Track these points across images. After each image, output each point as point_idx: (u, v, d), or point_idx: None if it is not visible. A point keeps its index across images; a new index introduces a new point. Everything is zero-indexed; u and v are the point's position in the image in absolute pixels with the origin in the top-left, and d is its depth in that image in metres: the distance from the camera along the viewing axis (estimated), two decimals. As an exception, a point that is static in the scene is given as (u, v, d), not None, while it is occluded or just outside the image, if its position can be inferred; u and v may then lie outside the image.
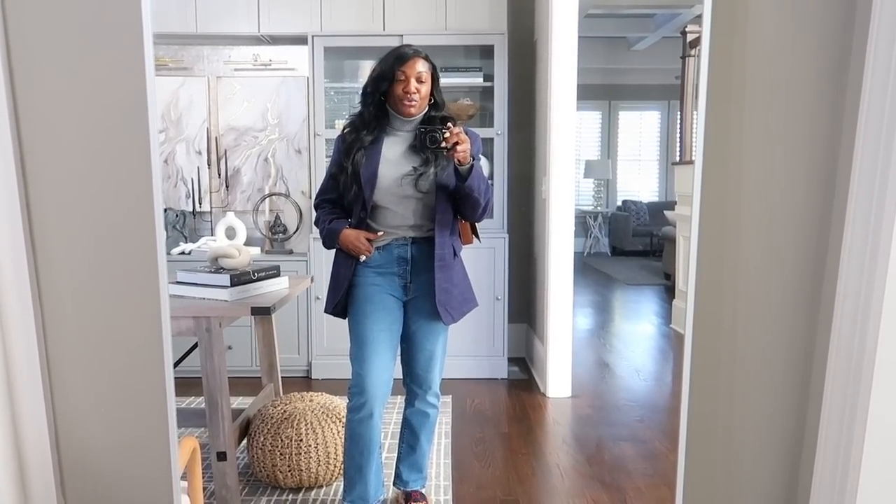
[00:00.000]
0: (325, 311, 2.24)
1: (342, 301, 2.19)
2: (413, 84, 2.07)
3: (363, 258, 2.15)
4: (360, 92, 2.16)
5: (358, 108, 2.19)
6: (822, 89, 1.03)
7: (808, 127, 1.06)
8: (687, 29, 5.44)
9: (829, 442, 1.04)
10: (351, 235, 2.14)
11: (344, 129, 2.19)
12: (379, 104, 2.14)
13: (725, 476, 1.12)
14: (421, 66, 2.08)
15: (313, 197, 3.83)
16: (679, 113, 5.71)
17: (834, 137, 1.07)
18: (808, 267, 1.06)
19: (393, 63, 2.08)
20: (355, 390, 2.13)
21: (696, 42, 5.30)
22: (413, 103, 2.09)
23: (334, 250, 2.22)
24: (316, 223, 2.26)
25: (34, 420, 1.06)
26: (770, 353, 1.09)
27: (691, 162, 5.29)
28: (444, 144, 1.99)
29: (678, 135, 6.09)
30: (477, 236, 2.32)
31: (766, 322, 1.08)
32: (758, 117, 1.03)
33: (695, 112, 5.39)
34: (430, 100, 2.15)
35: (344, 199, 2.18)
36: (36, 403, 1.05)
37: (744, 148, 1.03)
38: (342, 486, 2.24)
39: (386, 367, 2.14)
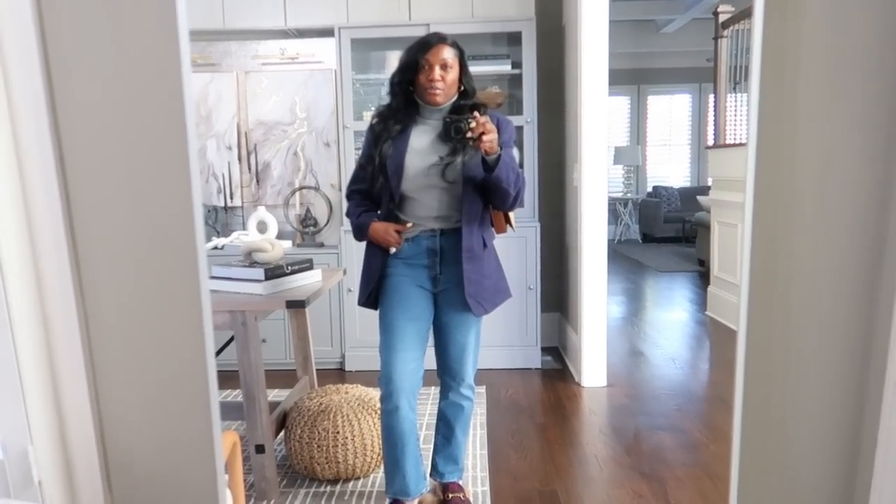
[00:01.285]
0: (358, 303, 2.24)
1: (374, 292, 2.19)
2: (437, 71, 2.04)
3: (393, 250, 2.14)
4: (388, 82, 2.14)
5: (387, 100, 2.17)
6: (884, 66, 0.98)
7: (868, 107, 1.01)
8: (719, 9, 5.31)
9: (889, 442, 1.00)
10: (380, 229, 2.13)
11: (373, 119, 2.18)
12: (407, 94, 2.12)
13: (780, 471, 1.08)
14: (446, 53, 2.05)
15: (343, 189, 3.83)
16: (713, 95, 5.58)
17: (892, 116, 1.02)
18: (866, 256, 1.01)
19: (417, 51, 2.05)
20: (383, 381, 2.13)
21: (728, 22, 5.17)
22: (437, 91, 2.06)
23: (365, 243, 2.22)
24: (347, 215, 2.26)
25: (80, 419, 1.06)
26: (826, 347, 1.05)
27: (727, 145, 5.17)
28: (469, 135, 1.95)
29: (711, 118, 5.96)
30: (511, 225, 2.29)
31: (821, 314, 1.03)
32: (814, 96, 0.98)
33: (730, 94, 5.27)
34: (459, 87, 2.12)
35: (373, 189, 2.17)
36: (81, 403, 1.06)
37: (799, 129, 0.99)
38: (384, 479, 2.24)
39: (413, 358, 2.13)
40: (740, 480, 1.05)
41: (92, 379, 1.08)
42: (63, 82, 1.07)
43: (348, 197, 2.27)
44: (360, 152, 2.25)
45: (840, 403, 1.06)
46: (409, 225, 2.12)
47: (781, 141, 0.98)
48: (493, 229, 2.25)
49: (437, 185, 2.08)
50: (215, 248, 3.91)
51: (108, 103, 1.07)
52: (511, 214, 2.27)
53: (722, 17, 5.25)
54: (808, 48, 0.97)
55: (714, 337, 4.73)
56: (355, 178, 2.25)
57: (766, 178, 0.98)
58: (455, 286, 2.15)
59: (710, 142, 6.28)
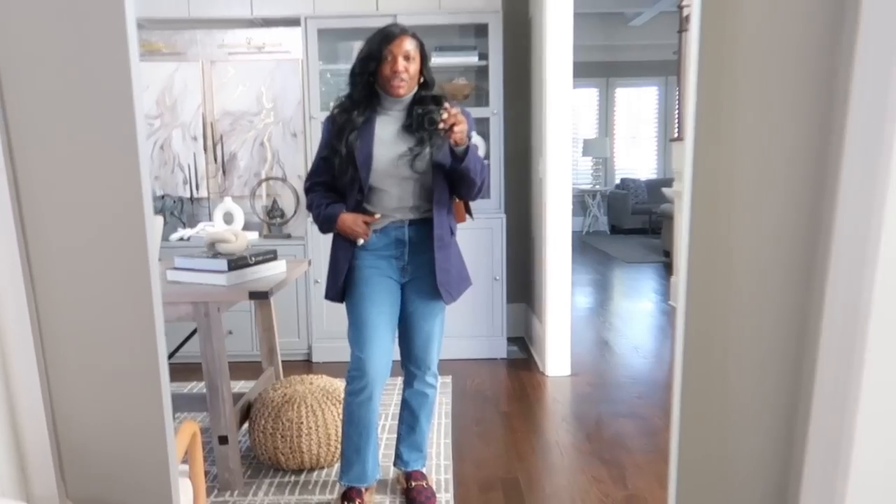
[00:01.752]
0: (325, 297, 2.23)
1: (342, 286, 2.19)
2: (401, 63, 2.05)
3: (361, 242, 2.15)
4: (349, 73, 2.14)
5: (346, 90, 2.17)
6: (817, 62, 1.02)
7: (803, 98, 1.05)
8: (683, 3, 5.39)
9: (822, 422, 1.05)
10: (348, 220, 2.12)
11: (333, 110, 2.18)
12: (367, 85, 2.12)
13: (719, 458, 1.12)
14: (408, 45, 2.06)
15: (309, 180, 3.83)
16: (677, 89, 5.67)
17: (827, 110, 1.06)
18: (801, 243, 1.06)
19: (380, 42, 2.06)
20: (355, 373, 2.14)
21: (691, 12, 5.25)
22: (402, 83, 2.07)
23: (332, 236, 2.21)
24: (309, 208, 2.23)
25: (31, 407, 1.06)
26: (763, 329, 1.09)
27: (689, 138, 5.26)
28: (441, 126, 1.98)
29: (676, 111, 6.05)
30: (470, 214, 2.32)
31: (758, 298, 1.08)
32: (751, 91, 1.02)
33: (692, 88, 5.35)
34: (419, 78, 2.14)
35: (338, 182, 2.16)
36: (33, 391, 1.06)
37: (737, 122, 1.03)
38: (340, 467, 2.26)
39: (385, 349, 2.15)
40: (680, 464, 1.09)
41: (44, 367, 1.08)
42: (8, 69, 1.06)
43: (309, 190, 2.24)
44: (319, 143, 2.24)
45: (776, 385, 1.10)
46: (377, 216, 2.13)
47: (720, 133, 1.02)
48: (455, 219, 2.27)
49: (407, 175, 2.09)
50: (181, 239, 3.88)
51: (56, 88, 1.07)
52: (470, 203, 2.30)
53: (686, 11, 5.33)
54: (743, 43, 1.01)
55: (677, 326, 4.83)
56: (316, 171, 2.23)
57: (705, 169, 1.02)
58: (423, 275, 2.17)
59: (675, 134, 6.38)
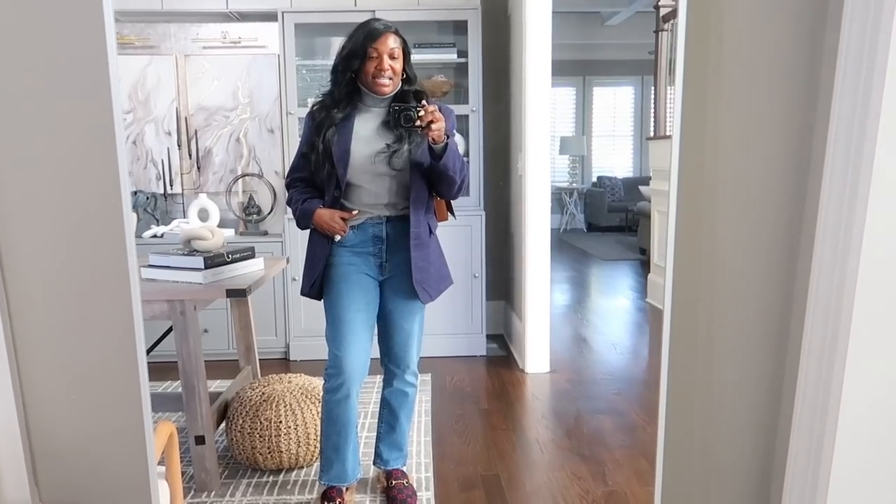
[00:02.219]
0: (302, 293, 2.21)
1: (318, 282, 2.17)
2: (386, 61, 2.03)
3: (338, 238, 2.13)
4: (331, 70, 2.12)
5: (328, 86, 2.14)
6: (799, 61, 1.03)
7: (786, 99, 1.06)
8: (660, 3, 5.43)
9: (804, 420, 1.06)
10: (325, 215, 2.10)
11: (313, 106, 2.15)
12: (350, 82, 2.10)
13: (703, 452, 1.13)
14: (393, 42, 2.04)
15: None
16: (653, 88, 5.71)
17: (810, 110, 1.07)
18: (784, 242, 1.07)
19: (364, 40, 2.03)
20: (332, 371, 2.13)
21: (669, 16, 5.30)
22: (388, 81, 2.05)
23: (309, 231, 2.19)
24: (289, 203, 2.21)
25: (3, 409, 1.03)
26: (746, 329, 1.10)
27: (666, 137, 5.31)
28: (418, 123, 1.96)
29: (652, 110, 6.10)
30: (452, 214, 2.31)
31: (742, 298, 1.09)
32: (735, 92, 1.03)
33: (669, 87, 5.40)
34: (402, 75, 2.12)
35: (316, 177, 2.14)
36: (4, 391, 1.03)
37: (721, 123, 1.03)
38: (319, 467, 2.24)
39: (363, 347, 2.14)
40: (665, 462, 1.10)
41: (16, 367, 1.05)
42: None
43: (289, 186, 2.22)
44: (300, 139, 2.22)
45: (759, 385, 1.11)
46: (354, 212, 2.11)
47: (704, 133, 1.02)
48: (435, 217, 2.26)
49: (384, 172, 2.08)
50: (154, 236, 3.81)
51: (31, 84, 1.03)
52: (452, 203, 2.29)
53: (663, 11, 5.37)
54: (728, 45, 1.01)
55: (653, 323, 4.87)
56: (296, 167, 2.21)
57: (690, 169, 1.02)
58: (401, 273, 2.15)
59: (651, 133, 6.43)
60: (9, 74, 1.04)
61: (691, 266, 1.07)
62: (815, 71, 1.05)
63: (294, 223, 2.20)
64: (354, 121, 2.10)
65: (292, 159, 2.27)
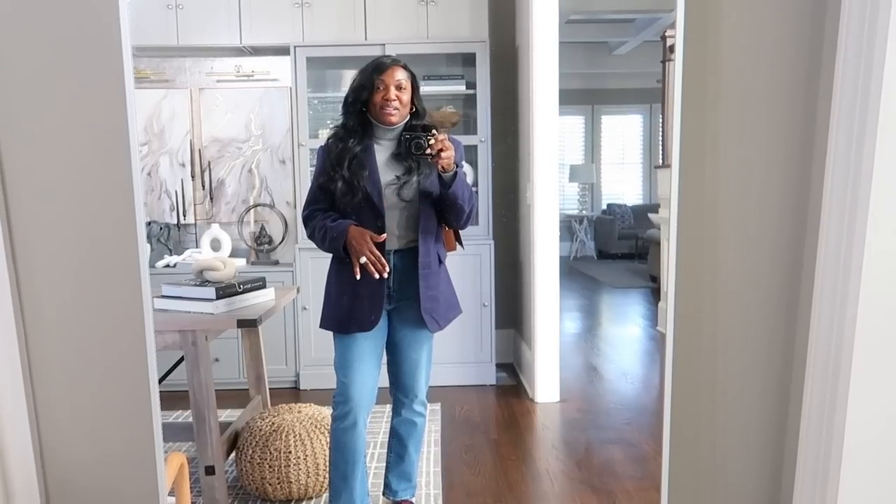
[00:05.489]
0: (322, 326, 2.19)
1: (345, 316, 2.12)
2: (392, 91, 2.07)
3: (376, 276, 2.04)
4: (342, 103, 2.17)
5: (339, 120, 2.18)
6: (795, 93, 1.05)
7: (783, 130, 1.08)
8: (667, 34, 5.50)
9: (811, 441, 1.06)
10: (356, 234, 2.04)
11: (328, 139, 2.19)
12: (360, 114, 2.14)
13: (709, 477, 1.13)
14: (399, 75, 2.09)
15: (298, 207, 3.82)
16: (661, 116, 5.75)
17: (807, 140, 1.09)
18: (785, 268, 1.08)
19: (372, 73, 2.09)
20: (340, 399, 2.13)
21: (675, 46, 5.35)
22: (394, 111, 2.09)
23: (330, 264, 2.19)
24: (311, 234, 2.16)
25: (18, 436, 1.05)
26: (750, 354, 1.10)
27: (673, 165, 5.33)
28: (429, 151, 2.00)
29: (660, 138, 6.14)
30: (461, 243, 2.33)
31: (745, 323, 1.09)
32: (733, 121, 1.05)
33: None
34: (411, 108, 2.16)
35: (339, 205, 2.11)
36: (20, 420, 1.05)
37: (719, 152, 1.05)
38: (329, 497, 2.23)
39: (370, 375, 2.14)
40: (670, 489, 1.09)
41: (31, 395, 1.07)
42: (2, 95, 1.07)
43: (308, 217, 2.18)
44: (314, 172, 2.24)
45: (764, 410, 1.11)
46: (383, 236, 2.06)
47: (704, 162, 1.04)
48: (444, 247, 2.28)
49: (395, 204, 2.10)
50: (167, 266, 3.85)
51: (49, 117, 1.07)
52: (461, 233, 2.30)
53: (669, 41, 5.43)
54: (725, 76, 1.04)
55: (665, 352, 4.84)
56: (313, 199, 2.18)
57: (690, 197, 1.04)
58: (409, 303, 2.16)
59: (660, 161, 6.46)
60: (32, 108, 1.08)
61: (693, 295, 1.08)
62: (811, 100, 1.07)
63: (306, 253, 2.21)
64: (374, 152, 2.12)
65: (307, 192, 2.25)
